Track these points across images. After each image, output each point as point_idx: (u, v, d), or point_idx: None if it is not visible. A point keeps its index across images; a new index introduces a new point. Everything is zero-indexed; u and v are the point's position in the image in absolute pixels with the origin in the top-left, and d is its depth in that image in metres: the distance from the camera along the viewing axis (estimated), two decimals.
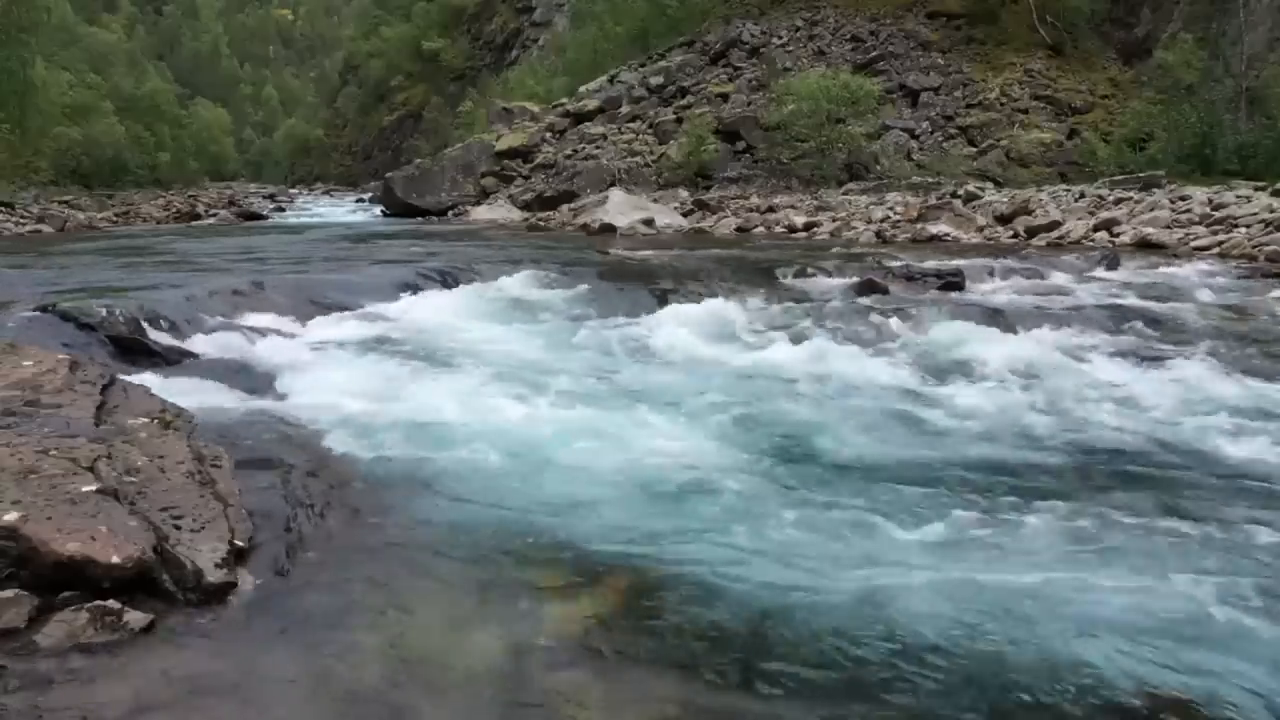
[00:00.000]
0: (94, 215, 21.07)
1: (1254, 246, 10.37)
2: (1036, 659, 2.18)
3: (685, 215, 17.11)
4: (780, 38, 24.49)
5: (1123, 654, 2.21)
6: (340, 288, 7.16)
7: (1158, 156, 17.26)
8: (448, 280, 7.71)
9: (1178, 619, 2.39)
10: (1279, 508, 3.24)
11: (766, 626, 2.34)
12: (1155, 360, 5.59)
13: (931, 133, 20.74)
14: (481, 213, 20.10)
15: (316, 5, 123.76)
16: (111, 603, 2.11)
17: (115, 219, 21.17)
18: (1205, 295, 8.07)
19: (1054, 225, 12.95)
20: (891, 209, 15.48)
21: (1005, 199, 15.39)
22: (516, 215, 19.36)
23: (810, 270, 8.96)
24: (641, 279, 8.08)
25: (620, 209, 15.79)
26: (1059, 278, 9.12)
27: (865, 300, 7.58)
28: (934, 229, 13.45)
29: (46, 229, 17.94)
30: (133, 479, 2.63)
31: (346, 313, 6.44)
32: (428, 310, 6.77)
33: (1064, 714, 1.99)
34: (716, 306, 7.25)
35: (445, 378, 4.76)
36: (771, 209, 17.32)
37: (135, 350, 4.77)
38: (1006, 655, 2.20)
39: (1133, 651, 2.22)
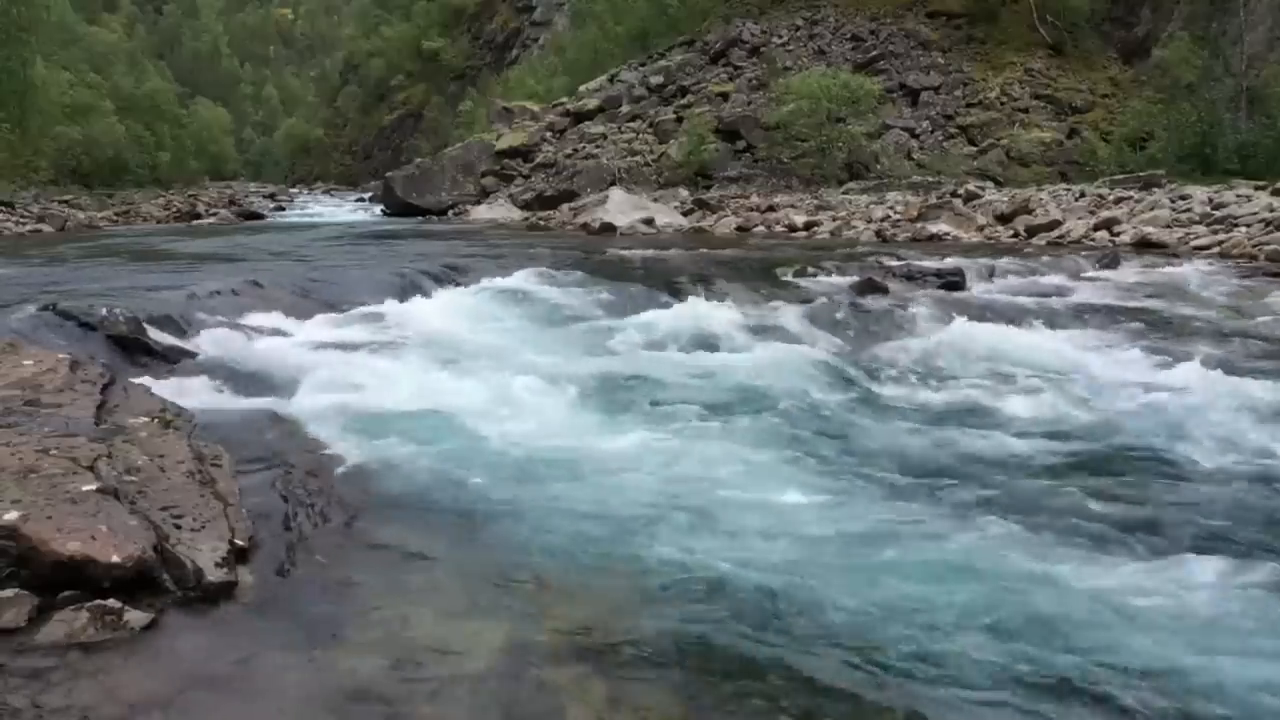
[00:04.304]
0: (94, 215, 21.04)
1: (1254, 246, 10.36)
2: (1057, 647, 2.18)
3: (685, 215, 17.10)
4: (780, 37, 24.47)
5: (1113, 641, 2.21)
6: (340, 287, 7.16)
7: (1158, 156, 17.25)
8: (448, 279, 7.71)
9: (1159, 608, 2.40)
10: (1276, 504, 3.24)
11: (769, 624, 2.33)
12: (1155, 360, 5.59)
13: (932, 132, 20.73)
14: (481, 212, 20.09)
15: (316, 5, 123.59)
16: (112, 602, 2.11)
17: (115, 218, 21.14)
18: (1205, 294, 8.07)
19: (1054, 224, 12.95)
20: (892, 208, 15.48)
21: (1005, 198, 15.39)
22: (517, 215, 19.34)
23: (810, 269, 8.96)
24: (642, 278, 8.08)
25: (620, 208, 15.78)
26: (1059, 277, 9.12)
27: (865, 299, 7.59)
28: (934, 228, 13.45)
29: (47, 228, 17.91)
30: (133, 478, 2.63)
31: (346, 312, 6.44)
32: (428, 310, 6.76)
33: None
34: (716, 306, 7.25)
35: (445, 377, 4.76)
36: (772, 208, 17.31)
37: (135, 350, 4.76)
38: (1003, 650, 2.20)
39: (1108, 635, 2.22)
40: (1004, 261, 9.74)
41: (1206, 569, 2.70)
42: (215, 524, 2.52)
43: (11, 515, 2.21)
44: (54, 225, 18.33)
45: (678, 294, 7.55)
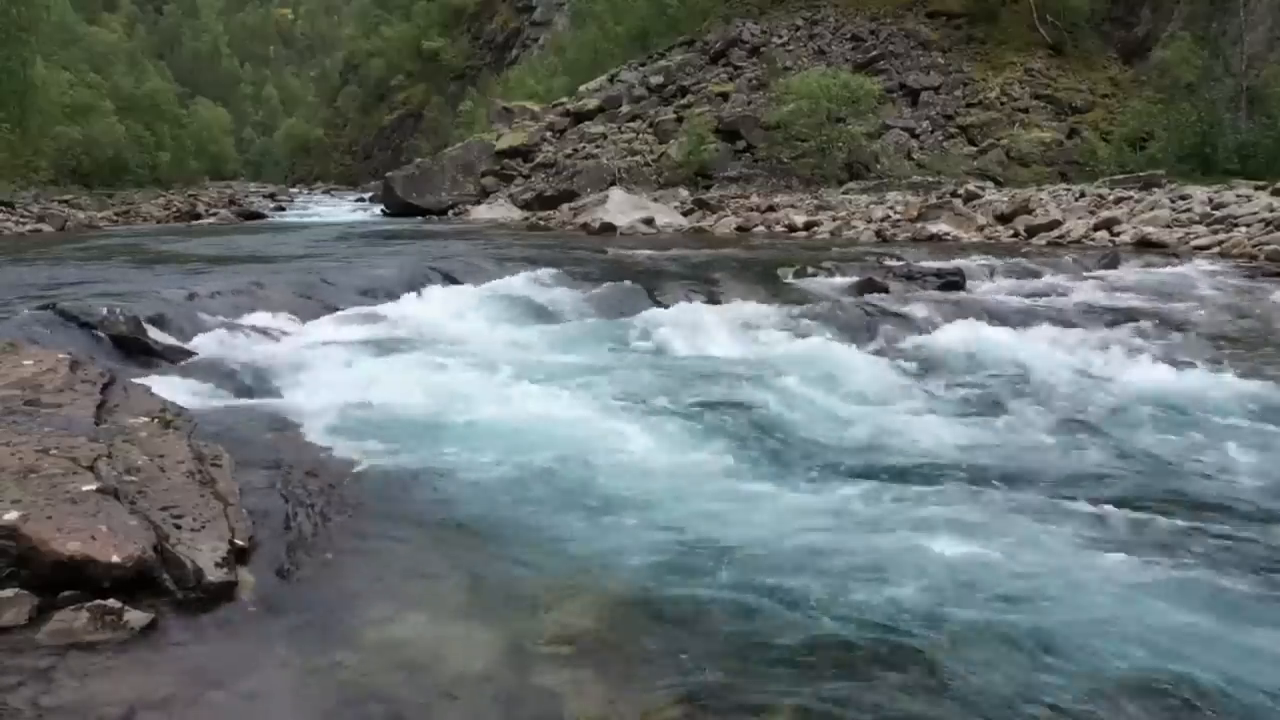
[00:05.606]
0: (94, 215, 21.04)
1: (1254, 246, 10.37)
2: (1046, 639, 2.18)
3: (685, 214, 17.11)
4: (780, 37, 24.48)
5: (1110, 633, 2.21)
6: (341, 287, 7.16)
7: (1158, 156, 17.26)
8: (448, 279, 7.71)
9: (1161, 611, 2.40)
10: (1270, 505, 3.24)
11: (768, 624, 2.33)
12: (1154, 360, 5.58)
13: (932, 132, 20.74)
14: (481, 212, 20.10)
15: (316, 5, 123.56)
16: (112, 602, 2.11)
17: (115, 218, 21.14)
18: (1205, 294, 8.07)
19: (1054, 224, 12.96)
20: (892, 208, 15.49)
21: (1005, 198, 15.39)
22: (517, 214, 19.34)
23: (810, 269, 8.96)
24: (641, 278, 8.08)
25: (620, 208, 15.78)
26: (1059, 277, 9.12)
27: (865, 299, 7.58)
28: (934, 228, 13.45)
29: (47, 228, 17.92)
30: (133, 478, 2.63)
31: (347, 312, 6.44)
32: (428, 309, 6.76)
33: None
34: (716, 306, 7.25)
35: (445, 376, 4.75)
36: (772, 208, 17.32)
37: (136, 349, 4.77)
38: (1014, 639, 2.20)
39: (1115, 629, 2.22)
40: (1004, 261, 9.74)
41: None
42: (215, 524, 2.52)
43: (11, 515, 2.21)
44: (54, 225, 18.33)
45: (678, 294, 7.55)
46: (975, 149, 20.00)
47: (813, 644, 2.23)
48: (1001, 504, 3.22)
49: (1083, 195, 15.38)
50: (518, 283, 7.62)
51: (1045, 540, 2.89)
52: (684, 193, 19.44)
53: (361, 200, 33.55)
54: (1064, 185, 17.16)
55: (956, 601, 2.43)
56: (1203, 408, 4.48)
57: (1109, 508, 3.17)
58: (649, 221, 15.27)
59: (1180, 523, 3.07)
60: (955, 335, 6.20)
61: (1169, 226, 12.23)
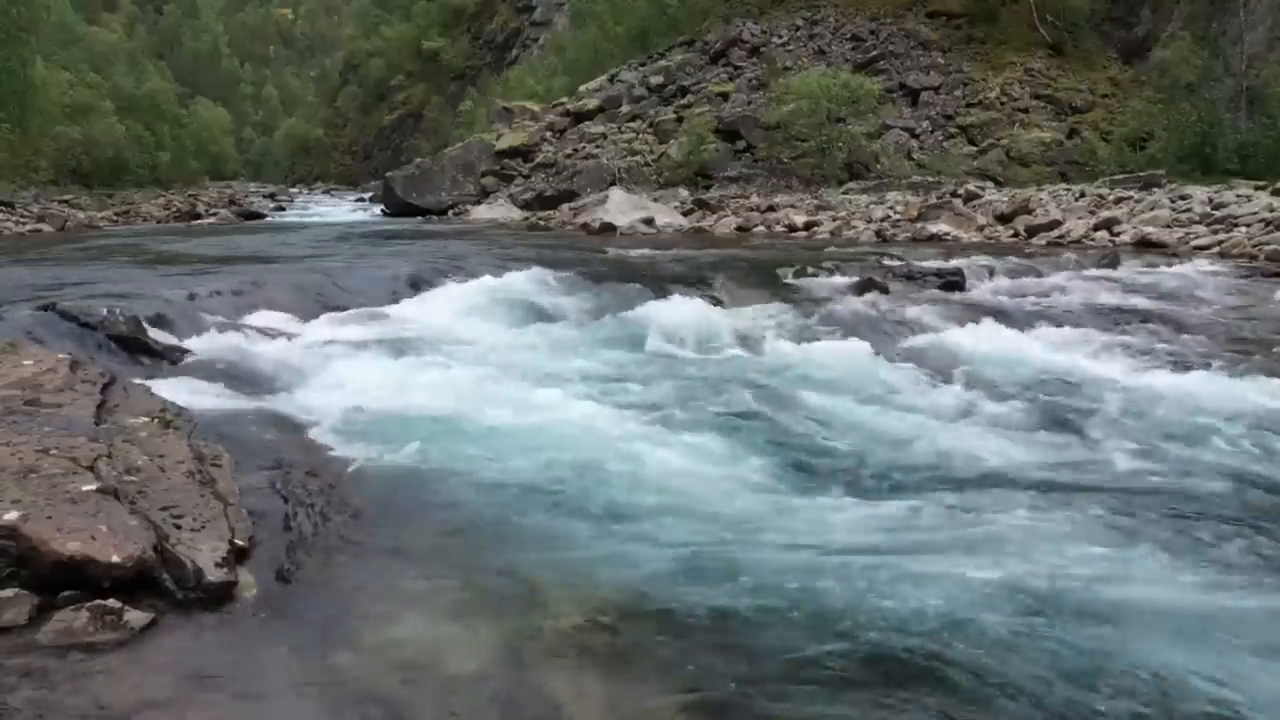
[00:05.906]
0: (94, 215, 21.03)
1: (1254, 246, 10.37)
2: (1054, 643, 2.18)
3: (685, 214, 17.11)
4: (780, 37, 24.48)
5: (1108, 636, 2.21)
6: (341, 287, 7.15)
7: (1158, 156, 17.26)
8: (448, 279, 7.70)
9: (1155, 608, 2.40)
10: (1270, 507, 3.24)
11: (783, 635, 2.31)
12: (1154, 360, 5.58)
13: (932, 132, 20.73)
14: (481, 212, 20.10)
15: (316, 5, 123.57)
16: (112, 602, 2.12)
17: (115, 218, 21.13)
18: (1205, 294, 8.07)
19: (1054, 224, 12.96)
20: (892, 208, 15.49)
21: (1005, 198, 15.39)
22: (517, 214, 19.34)
23: (810, 269, 8.95)
24: (642, 278, 8.07)
25: (620, 208, 15.78)
26: (1059, 277, 9.11)
27: (865, 299, 7.58)
28: (934, 228, 13.45)
29: (47, 228, 17.91)
30: (133, 478, 2.63)
31: (347, 312, 6.44)
32: (428, 309, 6.76)
33: None
34: (720, 307, 7.24)
35: (446, 377, 4.75)
36: (772, 208, 17.33)
37: (136, 349, 4.76)
38: (1016, 645, 2.20)
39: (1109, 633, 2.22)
40: (1004, 261, 9.73)
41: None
42: (215, 524, 2.52)
43: (11, 515, 2.21)
44: (54, 225, 18.32)
45: (680, 294, 7.52)
46: (975, 149, 20.00)
47: (830, 657, 2.19)
48: (1047, 516, 3.13)
49: (1083, 195, 15.38)
50: (519, 283, 7.61)
51: (1095, 555, 2.79)
52: (684, 193, 19.45)
53: (361, 200, 33.55)
54: (1064, 185, 17.16)
55: (994, 619, 2.33)
56: (1194, 406, 4.46)
57: (1171, 521, 3.09)
58: (649, 221, 15.27)
59: (1250, 540, 2.94)
60: (952, 335, 6.18)
61: (1169, 226, 12.23)
